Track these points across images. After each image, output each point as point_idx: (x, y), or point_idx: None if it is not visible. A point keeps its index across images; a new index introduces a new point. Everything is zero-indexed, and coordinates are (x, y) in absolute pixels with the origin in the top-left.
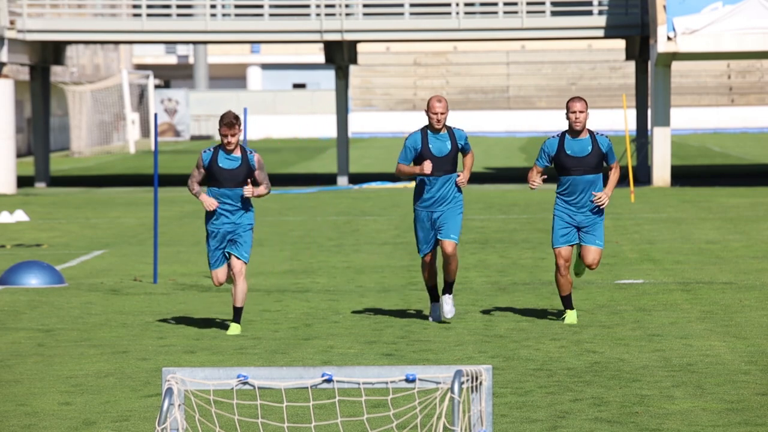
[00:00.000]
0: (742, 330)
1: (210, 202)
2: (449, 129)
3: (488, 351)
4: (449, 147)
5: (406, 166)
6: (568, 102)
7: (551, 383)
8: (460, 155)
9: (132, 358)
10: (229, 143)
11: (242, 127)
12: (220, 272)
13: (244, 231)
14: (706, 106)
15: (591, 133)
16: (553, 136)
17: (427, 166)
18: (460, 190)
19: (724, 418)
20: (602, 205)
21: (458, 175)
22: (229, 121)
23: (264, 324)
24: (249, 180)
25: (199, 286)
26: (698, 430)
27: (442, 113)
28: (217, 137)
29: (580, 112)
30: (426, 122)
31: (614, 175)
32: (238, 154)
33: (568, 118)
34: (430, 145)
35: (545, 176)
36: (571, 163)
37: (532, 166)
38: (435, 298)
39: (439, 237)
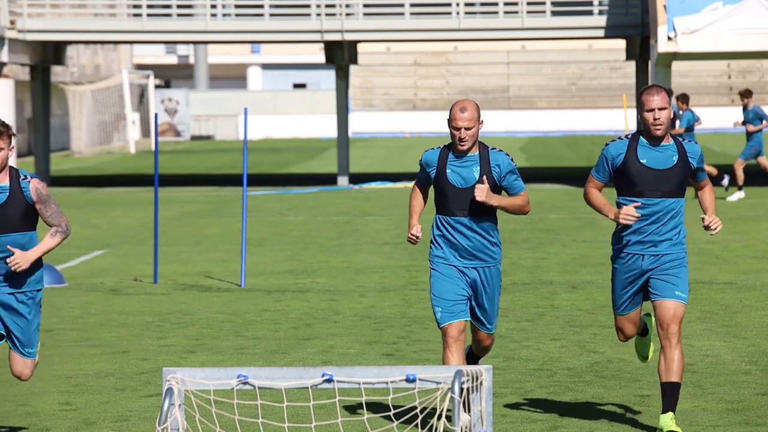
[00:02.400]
0: (742, 330)
1: None
2: (484, 151)
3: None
4: (476, 177)
5: (417, 198)
6: (642, 94)
7: (551, 383)
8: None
9: (132, 358)
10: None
11: (12, 141)
12: None
13: (28, 307)
14: (706, 106)
15: (675, 138)
16: (619, 138)
17: (416, 230)
18: (496, 243)
19: (724, 418)
20: (716, 230)
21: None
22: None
23: (264, 324)
24: (23, 221)
25: (199, 286)
26: (698, 430)
27: (467, 128)
28: (219, 137)
29: (661, 108)
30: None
31: (711, 197)
32: (4, 182)
33: (643, 118)
34: (449, 171)
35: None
36: (646, 178)
37: (586, 182)
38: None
39: (474, 324)
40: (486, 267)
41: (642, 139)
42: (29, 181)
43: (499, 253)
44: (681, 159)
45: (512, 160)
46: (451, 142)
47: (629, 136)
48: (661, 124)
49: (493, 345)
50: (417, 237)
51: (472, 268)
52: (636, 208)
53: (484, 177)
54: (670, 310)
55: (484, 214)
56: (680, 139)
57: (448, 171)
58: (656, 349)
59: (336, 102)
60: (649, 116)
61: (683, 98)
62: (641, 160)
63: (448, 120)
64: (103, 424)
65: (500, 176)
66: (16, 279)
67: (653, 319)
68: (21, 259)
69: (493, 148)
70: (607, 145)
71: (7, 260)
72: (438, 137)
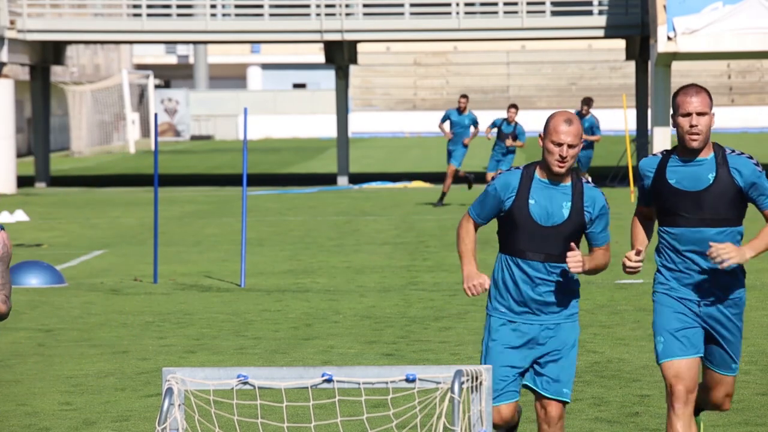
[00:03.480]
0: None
1: None
2: (578, 183)
3: None
4: (566, 214)
5: (470, 235)
6: (677, 95)
7: None
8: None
9: (132, 358)
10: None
11: None
12: None
13: None
14: None
15: (719, 150)
16: (654, 154)
17: (484, 279)
18: (574, 293)
19: (724, 418)
20: (719, 261)
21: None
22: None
23: (264, 324)
24: None
25: (199, 286)
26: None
27: (572, 145)
28: (219, 137)
29: (700, 114)
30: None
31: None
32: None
33: (677, 124)
34: (531, 201)
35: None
36: (677, 201)
37: (634, 214)
38: None
39: (537, 390)
40: (558, 323)
41: (674, 155)
42: None
43: (575, 305)
44: (721, 176)
45: (606, 202)
46: (541, 162)
47: (663, 153)
48: (698, 133)
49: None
50: (484, 288)
51: (538, 324)
52: (637, 252)
53: (573, 244)
54: (718, 382)
55: (562, 258)
56: (729, 150)
57: (530, 201)
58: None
59: (336, 102)
60: (684, 123)
61: (587, 102)
62: (670, 180)
63: (544, 133)
64: (103, 424)
65: (591, 218)
66: None
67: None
68: None
69: (587, 181)
70: (639, 163)
71: None
72: (438, 137)
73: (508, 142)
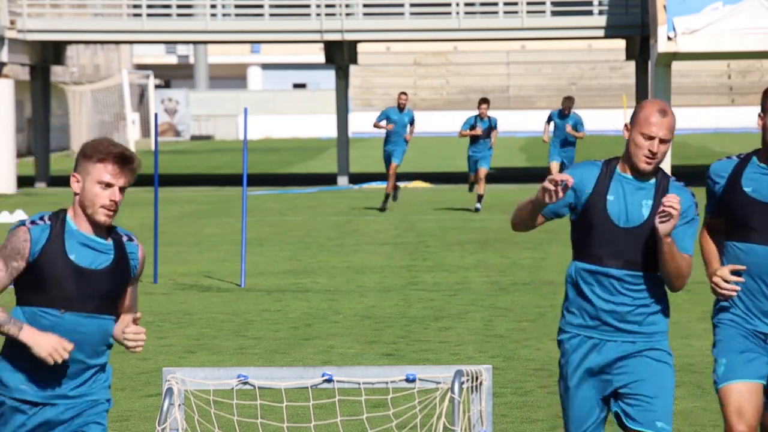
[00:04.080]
0: None
1: (53, 346)
2: (663, 180)
3: (488, 351)
4: (646, 214)
5: (526, 203)
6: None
7: (551, 383)
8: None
9: (132, 358)
10: (108, 210)
11: (134, 176)
12: None
13: (98, 421)
14: (706, 106)
15: None
16: (728, 157)
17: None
18: (662, 308)
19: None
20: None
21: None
22: (122, 155)
23: (264, 324)
24: (120, 298)
25: (199, 286)
26: (698, 430)
27: (664, 139)
28: (219, 137)
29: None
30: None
31: None
32: (106, 240)
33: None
34: (610, 197)
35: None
36: (752, 213)
37: (701, 228)
38: None
39: (625, 422)
40: (642, 349)
41: (755, 158)
42: (136, 245)
43: (661, 323)
44: None
45: (697, 204)
46: (625, 156)
47: (740, 157)
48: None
49: None
50: (559, 182)
51: (614, 340)
52: (736, 272)
53: (671, 196)
54: None
55: (646, 267)
56: (672, 179)
57: (609, 197)
58: None
59: (336, 102)
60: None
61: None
62: (746, 189)
63: (632, 124)
64: None
65: (686, 223)
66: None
67: None
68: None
69: (675, 179)
70: (710, 167)
71: (124, 332)
72: (438, 137)
73: (492, 136)
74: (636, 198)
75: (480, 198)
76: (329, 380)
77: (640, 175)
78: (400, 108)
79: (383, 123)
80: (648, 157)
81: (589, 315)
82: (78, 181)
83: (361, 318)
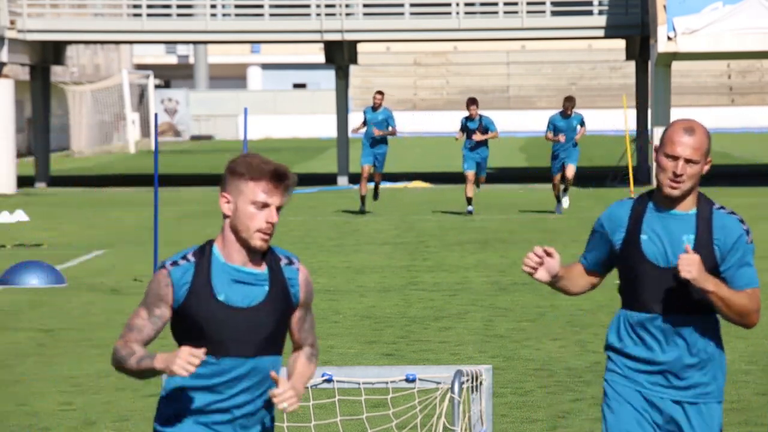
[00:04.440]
0: (742, 330)
1: (182, 358)
2: (705, 209)
3: (488, 351)
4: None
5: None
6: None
7: (551, 383)
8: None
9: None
10: (265, 233)
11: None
12: None
13: None
14: (706, 106)
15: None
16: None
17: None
18: (716, 363)
19: (724, 418)
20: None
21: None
22: (277, 172)
23: None
24: (283, 333)
25: None
26: None
27: (691, 160)
28: (219, 137)
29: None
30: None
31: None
32: (260, 268)
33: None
34: (644, 236)
35: None
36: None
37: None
38: None
39: None
40: (695, 403)
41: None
42: (296, 268)
43: (720, 377)
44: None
45: (748, 231)
46: (656, 189)
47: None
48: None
49: None
50: (539, 257)
51: (671, 400)
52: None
53: (687, 245)
54: None
55: (697, 309)
56: (715, 206)
57: (643, 237)
58: None
59: (336, 102)
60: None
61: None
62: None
63: (659, 145)
64: (103, 424)
65: (723, 253)
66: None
67: None
68: (296, 388)
69: (721, 207)
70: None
71: (274, 393)
72: (438, 137)
73: (477, 136)
74: (674, 232)
75: (469, 200)
76: (329, 380)
77: (674, 204)
78: (375, 108)
79: (359, 124)
80: (673, 180)
81: (635, 368)
82: (228, 202)
83: (361, 318)
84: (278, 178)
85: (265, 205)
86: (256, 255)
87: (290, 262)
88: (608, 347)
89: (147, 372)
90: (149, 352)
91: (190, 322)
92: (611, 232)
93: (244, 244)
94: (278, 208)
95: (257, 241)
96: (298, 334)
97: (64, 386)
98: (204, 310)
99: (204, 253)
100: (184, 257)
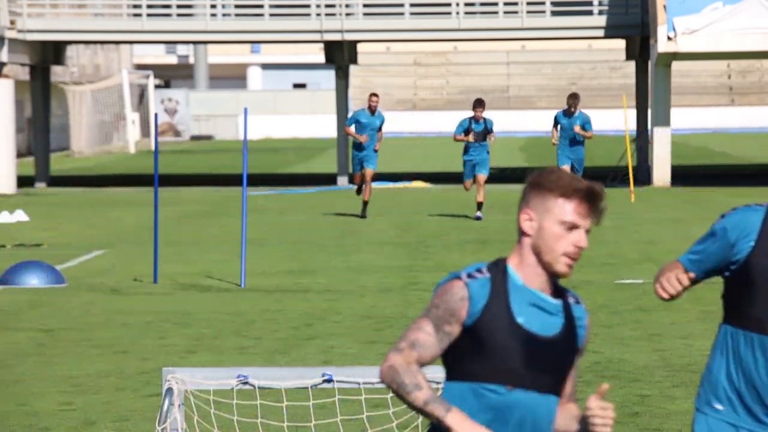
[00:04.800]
0: None
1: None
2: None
3: None
4: None
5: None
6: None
7: None
8: None
9: (132, 358)
10: (572, 258)
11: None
12: None
13: None
14: (706, 106)
15: None
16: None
17: None
18: None
19: None
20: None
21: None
22: (591, 191)
23: (264, 324)
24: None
25: (199, 286)
26: None
27: None
28: (219, 137)
29: None
30: None
31: None
32: (555, 298)
33: None
34: None
35: None
36: None
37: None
38: None
39: None
40: None
41: None
42: (582, 309)
43: None
44: None
45: None
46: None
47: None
48: None
49: None
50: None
51: None
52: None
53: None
54: None
55: None
56: None
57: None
58: None
59: (336, 102)
60: None
61: (574, 97)
62: None
63: None
64: (103, 424)
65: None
66: None
67: None
68: None
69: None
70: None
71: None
72: (438, 137)
73: (491, 139)
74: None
75: (480, 206)
76: (329, 380)
77: None
78: (371, 110)
79: (352, 129)
80: None
81: (744, 401)
82: (531, 220)
83: (361, 318)
84: (592, 198)
85: (574, 227)
86: (551, 284)
87: (578, 302)
88: (707, 375)
89: (430, 416)
90: (437, 395)
91: (482, 344)
92: (737, 239)
93: (546, 268)
94: (587, 231)
95: (562, 266)
96: (570, 384)
97: (64, 386)
98: (501, 332)
99: (498, 269)
100: (479, 270)
